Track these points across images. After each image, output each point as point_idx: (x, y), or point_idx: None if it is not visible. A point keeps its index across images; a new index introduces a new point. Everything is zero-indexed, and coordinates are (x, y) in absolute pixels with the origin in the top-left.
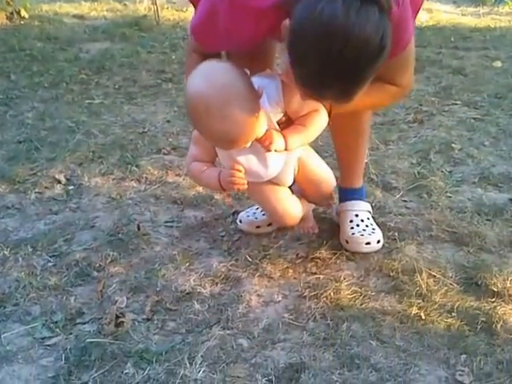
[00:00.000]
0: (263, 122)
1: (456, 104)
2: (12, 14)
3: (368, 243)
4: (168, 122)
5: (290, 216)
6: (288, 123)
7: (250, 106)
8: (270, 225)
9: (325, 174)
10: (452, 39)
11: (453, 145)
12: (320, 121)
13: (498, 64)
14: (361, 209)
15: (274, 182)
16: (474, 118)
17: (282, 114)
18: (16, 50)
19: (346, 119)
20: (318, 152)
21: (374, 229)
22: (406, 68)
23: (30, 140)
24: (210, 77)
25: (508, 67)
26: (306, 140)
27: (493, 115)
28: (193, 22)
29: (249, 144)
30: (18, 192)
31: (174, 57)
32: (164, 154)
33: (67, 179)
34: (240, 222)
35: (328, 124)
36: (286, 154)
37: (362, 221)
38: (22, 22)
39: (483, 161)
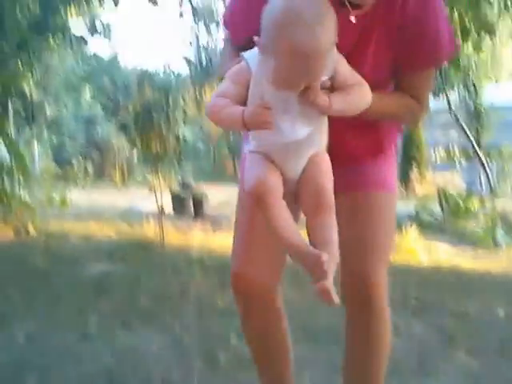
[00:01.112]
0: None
1: (458, 352)
2: (19, 229)
3: None
4: (162, 352)
5: (258, 179)
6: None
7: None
8: None
9: (328, 187)
10: (452, 283)
11: None
12: (365, 93)
13: (501, 312)
14: None
15: (278, 165)
16: (477, 367)
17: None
18: (18, 265)
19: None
20: None
21: None
22: (429, 86)
23: (18, 363)
24: None
25: (510, 313)
26: (349, 107)
27: (496, 365)
28: (225, 12)
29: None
30: None
31: (174, 283)
32: None
33: None
34: None
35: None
36: (310, 127)
37: None
38: (28, 239)
39: None
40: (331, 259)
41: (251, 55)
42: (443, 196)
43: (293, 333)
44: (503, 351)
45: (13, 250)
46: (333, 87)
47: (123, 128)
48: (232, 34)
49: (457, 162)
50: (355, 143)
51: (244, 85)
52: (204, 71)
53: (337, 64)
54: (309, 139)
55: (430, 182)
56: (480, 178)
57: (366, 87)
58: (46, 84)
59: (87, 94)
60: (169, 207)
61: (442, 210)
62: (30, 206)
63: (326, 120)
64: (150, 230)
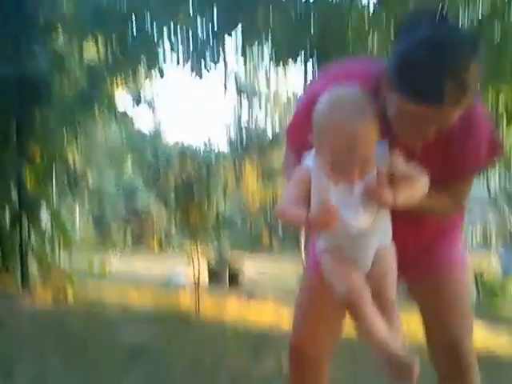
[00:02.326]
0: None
1: None
2: (59, 295)
3: None
4: None
5: (351, 292)
6: (389, 182)
7: (375, 134)
8: None
9: (394, 279)
10: (487, 368)
11: None
12: (424, 183)
13: None
14: None
15: (350, 260)
16: None
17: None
18: (56, 330)
19: None
20: None
21: None
22: (469, 189)
23: None
24: (348, 88)
25: None
26: (412, 199)
27: None
28: (289, 124)
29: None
30: None
31: (209, 351)
32: None
33: None
34: None
35: None
36: (375, 215)
37: None
38: (67, 305)
39: None
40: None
41: (309, 159)
42: (480, 280)
43: None
44: None
45: (51, 316)
46: (392, 179)
47: (162, 199)
48: (291, 143)
49: (494, 245)
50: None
51: (306, 188)
52: (244, 149)
53: (392, 157)
54: (373, 229)
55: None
56: None
57: (426, 177)
58: (90, 154)
59: (129, 165)
60: (205, 277)
61: (478, 293)
62: (69, 273)
63: (388, 210)
64: (186, 300)
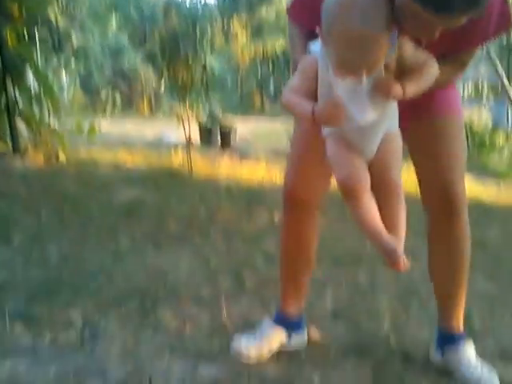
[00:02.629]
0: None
1: (477, 277)
2: (50, 156)
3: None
4: (191, 272)
5: (349, 179)
6: (398, 71)
7: (387, 26)
8: (258, 351)
9: (398, 166)
10: (474, 213)
11: (473, 318)
12: (434, 69)
13: None
14: (472, 352)
15: (356, 147)
16: (495, 292)
17: (393, 60)
18: (50, 190)
19: (445, 248)
20: None
21: (488, 370)
22: (475, 55)
23: (52, 280)
24: None
25: None
26: (421, 88)
27: None
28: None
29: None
30: (32, 334)
31: (202, 208)
32: (184, 304)
33: (84, 323)
34: (232, 347)
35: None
36: (383, 108)
37: (477, 364)
38: (59, 165)
39: (504, 336)
40: (399, 241)
41: (316, 47)
42: (469, 131)
43: (317, 255)
44: None
45: (44, 176)
46: (402, 68)
47: (150, 58)
48: (293, 19)
49: (485, 98)
50: None
51: (313, 78)
52: (232, 2)
53: (401, 45)
54: (381, 120)
55: None
56: (508, 114)
57: (434, 63)
58: (72, 12)
59: (113, 23)
60: (196, 138)
61: (468, 144)
62: (59, 133)
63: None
64: (178, 159)
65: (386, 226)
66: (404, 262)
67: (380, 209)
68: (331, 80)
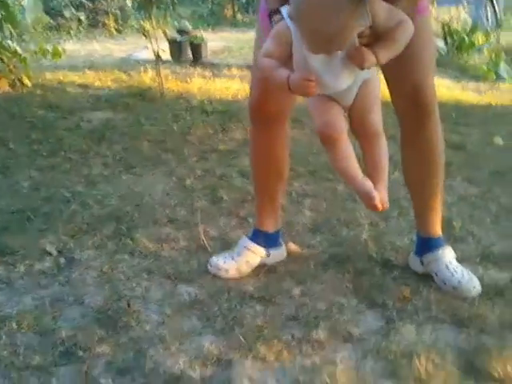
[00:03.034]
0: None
1: (456, 180)
2: (14, 81)
3: (474, 287)
4: (166, 194)
5: (327, 127)
6: (372, 37)
7: (356, 8)
8: (237, 269)
9: (376, 108)
10: (453, 115)
11: (453, 222)
12: (408, 30)
13: (500, 141)
14: (452, 255)
15: (334, 97)
16: (475, 195)
17: (367, 27)
18: (17, 117)
19: (417, 151)
20: None
21: (468, 273)
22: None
23: (24, 210)
24: None
25: (509, 145)
26: (396, 53)
27: (493, 193)
28: None
29: (339, 52)
30: (6, 264)
31: (175, 128)
32: (160, 226)
33: (59, 251)
34: (210, 265)
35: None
36: (357, 71)
37: (457, 267)
38: (25, 91)
39: (484, 239)
40: (382, 185)
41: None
42: (447, 31)
43: (294, 169)
44: (499, 179)
45: (9, 103)
46: (376, 33)
47: None
48: None
49: None
50: None
51: (287, 43)
52: None
53: (374, 11)
54: (358, 79)
55: (433, 18)
56: (487, 12)
57: (409, 23)
58: None
59: None
60: (167, 55)
61: (446, 44)
62: (23, 57)
63: None
64: (148, 77)
65: (369, 168)
66: (382, 201)
67: (363, 152)
68: (305, 51)
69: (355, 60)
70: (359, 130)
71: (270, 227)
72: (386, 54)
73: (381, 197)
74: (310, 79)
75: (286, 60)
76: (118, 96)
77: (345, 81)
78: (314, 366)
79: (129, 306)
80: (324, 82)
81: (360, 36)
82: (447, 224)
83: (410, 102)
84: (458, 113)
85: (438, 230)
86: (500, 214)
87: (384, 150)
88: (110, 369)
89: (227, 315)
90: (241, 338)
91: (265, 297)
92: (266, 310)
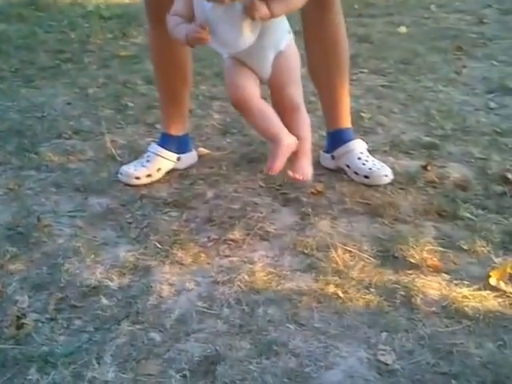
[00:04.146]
0: None
1: (363, 72)
2: None
3: (386, 175)
4: (69, 104)
5: (236, 89)
6: None
7: None
8: (149, 176)
9: (295, 82)
10: (356, 6)
11: (362, 114)
12: None
13: (403, 30)
14: (363, 146)
15: (249, 66)
16: (382, 86)
17: None
18: None
19: (320, 43)
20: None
21: (379, 162)
22: None
23: None
24: None
25: (413, 32)
26: (291, 7)
27: (400, 81)
28: None
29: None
30: None
31: (73, 36)
32: (65, 138)
33: None
34: (120, 174)
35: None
36: (260, 25)
37: (368, 157)
38: None
39: (393, 128)
40: (304, 156)
41: None
42: None
43: (200, 72)
44: (405, 67)
45: None
46: None
47: None
48: None
49: None
50: None
51: (191, 1)
52: None
53: None
54: (263, 40)
55: None
56: None
57: None
58: None
59: None
60: None
61: None
62: None
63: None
64: None
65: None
66: (304, 174)
67: (285, 126)
68: (204, 5)
69: (249, 11)
70: (278, 104)
71: (178, 131)
72: (280, 7)
73: (304, 170)
74: (202, 27)
75: (191, 16)
76: (9, 6)
77: (245, 37)
78: (232, 266)
79: (39, 220)
80: (224, 37)
81: None
82: (356, 116)
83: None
84: (360, 4)
85: (347, 122)
86: (408, 102)
87: (306, 123)
88: (25, 285)
89: (141, 223)
90: (157, 244)
91: (178, 202)
92: (180, 215)
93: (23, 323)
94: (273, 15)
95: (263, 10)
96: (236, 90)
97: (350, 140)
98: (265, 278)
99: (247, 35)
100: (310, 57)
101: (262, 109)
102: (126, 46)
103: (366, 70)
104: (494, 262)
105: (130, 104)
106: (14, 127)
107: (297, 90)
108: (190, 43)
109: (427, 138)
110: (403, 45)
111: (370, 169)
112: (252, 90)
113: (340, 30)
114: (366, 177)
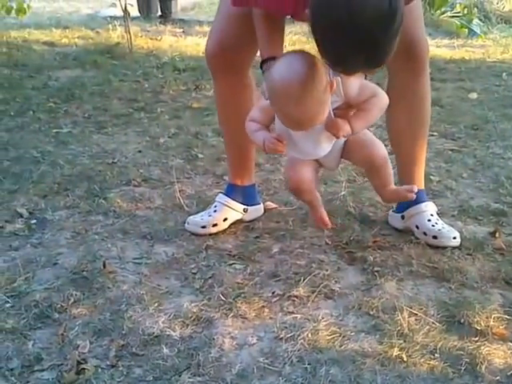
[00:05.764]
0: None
1: (433, 135)
2: None
3: (454, 237)
4: (139, 152)
5: (294, 181)
6: (348, 109)
7: (324, 96)
8: (215, 225)
9: (375, 139)
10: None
11: (431, 177)
12: (381, 102)
13: (474, 95)
14: (433, 209)
15: (320, 161)
16: (452, 150)
17: (341, 103)
18: None
19: (408, 105)
20: None
21: (448, 226)
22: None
23: None
24: (294, 66)
25: (483, 99)
26: (370, 122)
27: (470, 147)
28: None
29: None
30: None
31: (146, 85)
32: (134, 185)
33: (30, 213)
34: (187, 223)
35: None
36: (335, 139)
37: (438, 220)
38: None
39: (462, 193)
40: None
41: None
42: None
43: None
44: (475, 133)
45: None
46: (349, 105)
47: None
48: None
49: None
50: None
51: (271, 115)
52: None
53: (346, 88)
54: (335, 144)
55: None
56: None
57: (381, 95)
58: None
59: None
60: (135, 10)
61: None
62: None
63: None
64: (116, 35)
65: (380, 190)
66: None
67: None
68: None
69: (332, 130)
70: (361, 161)
71: (244, 181)
72: (360, 124)
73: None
74: (279, 140)
75: (269, 125)
76: (85, 54)
77: (323, 148)
78: (295, 322)
79: (104, 266)
80: (304, 149)
81: (336, 109)
82: (425, 179)
83: (405, 56)
84: (432, 68)
85: (421, 183)
86: (477, 168)
87: (389, 174)
88: (87, 330)
89: (206, 273)
90: (220, 296)
91: (244, 254)
92: (245, 267)
93: (83, 368)
94: (353, 132)
95: (346, 128)
96: (294, 182)
97: (422, 201)
98: (328, 338)
99: (325, 146)
100: (392, 118)
101: (311, 200)
102: (199, 98)
103: (436, 134)
104: None
105: (200, 155)
106: (84, 172)
107: (376, 146)
108: (267, 150)
109: (496, 205)
110: (474, 110)
111: (439, 230)
112: (310, 185)
113: (428, 94)
114: (435, 237)
